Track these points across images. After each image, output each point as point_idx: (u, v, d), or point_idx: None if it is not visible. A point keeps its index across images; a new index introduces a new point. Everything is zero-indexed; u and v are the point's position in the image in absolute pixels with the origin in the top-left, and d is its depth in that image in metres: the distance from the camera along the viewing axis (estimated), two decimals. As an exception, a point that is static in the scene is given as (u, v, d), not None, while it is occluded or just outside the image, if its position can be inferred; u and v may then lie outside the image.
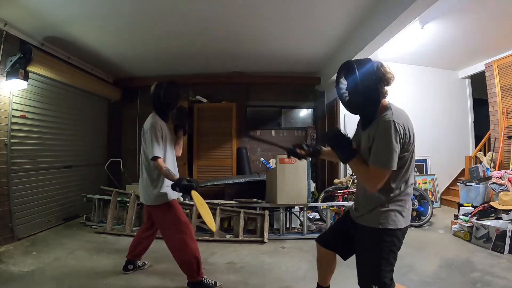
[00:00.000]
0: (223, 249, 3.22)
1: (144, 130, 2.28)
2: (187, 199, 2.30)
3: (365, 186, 1.42)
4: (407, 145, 1.37)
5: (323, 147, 1.77)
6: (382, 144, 1.34)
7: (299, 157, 1.76)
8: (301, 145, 1.74)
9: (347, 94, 1.48)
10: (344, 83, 1.51)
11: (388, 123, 1.32)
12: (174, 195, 2.28)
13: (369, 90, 1.38)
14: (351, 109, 1.49)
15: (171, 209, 2.24)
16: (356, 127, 1.65)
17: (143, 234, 2.54)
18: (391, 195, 1.42)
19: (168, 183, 2.18)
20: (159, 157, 2.13)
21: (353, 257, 1.60)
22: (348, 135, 1.50)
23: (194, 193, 2.01)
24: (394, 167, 1.33)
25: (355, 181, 4.27)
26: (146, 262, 2.72)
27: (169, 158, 2.32)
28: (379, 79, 1.40)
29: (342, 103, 1.53)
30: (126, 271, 2.56)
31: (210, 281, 2.29)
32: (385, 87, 1.44)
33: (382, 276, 1.45)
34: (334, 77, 3.71)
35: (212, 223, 2.06)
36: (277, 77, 5.94)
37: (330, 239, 1.75)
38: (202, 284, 2.24)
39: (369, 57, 1.50)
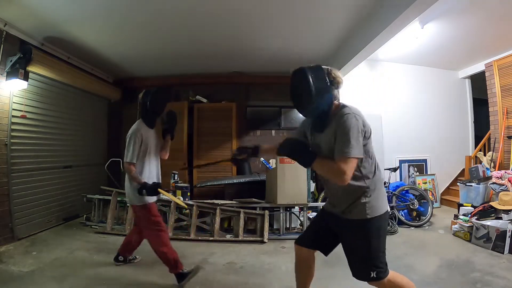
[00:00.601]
0: (223, 249, 3.22)
1: (128, 135, 2.42)
2: (158, 197, 2.56)
3: (336, 181, 1.41)
4: (367, 133, 1.47)
5: (262, 145, 1.85)
6: (345, 135, 1.38)
7: (241, 161, 1.89)
8: (240, 149, 1.85)
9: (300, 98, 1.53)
10: (298, 88, 1.55)
11: (348, 116, 1.41)
12: (152, 198, 2.45)
13: (322, 93, 1.45)
14: (306, 111, 1.57)
15: (148, 209, 2.42)
16: (305, 132, 1.74)
17: (131, 237, 2.73)
18: (367, 183, 1.49)
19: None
20: (130, 163, 2.31)
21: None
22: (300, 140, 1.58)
23: (160, 191, 2.28)
24: (361, 155, 1.40)
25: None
26: (137, 257, 2.89)
27: (152, 163, 2.48)
28: (330, 83, 1.50)
29: (295, 107, 1.60)
30: (117, 262, 2.77)
31: (186, 270, 2.43)
32: (336, 90, 1.55)
33: (378, 261, 1.50)
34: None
35: (181, 202, 2.62)
36: (277, 77, 5.92)
37: (311, 238, 1.81)
38: (182, 274, 2.40)
39: (319, 64, 1.59)
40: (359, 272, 1.55)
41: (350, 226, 1.55)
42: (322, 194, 4.18)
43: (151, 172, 2.47)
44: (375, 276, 1.48)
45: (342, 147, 1.38)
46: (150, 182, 2.35)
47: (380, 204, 1.51)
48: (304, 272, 1.84)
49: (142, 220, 2.46)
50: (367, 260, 1.50)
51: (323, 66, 1.54)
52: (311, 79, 1.44)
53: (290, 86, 1.60)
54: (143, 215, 2.41)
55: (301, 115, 1.65)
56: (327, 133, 1.50)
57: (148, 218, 2.40)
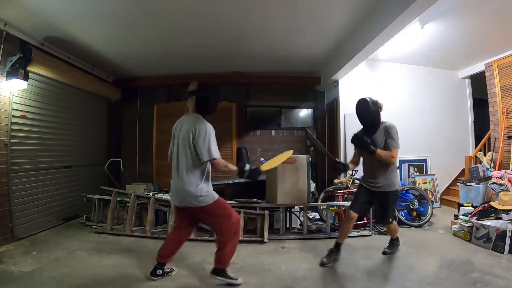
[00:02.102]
0: (223, 249, 3.21)
1: (197, 130, 2.25)
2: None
3: (390, 163, 2.61)
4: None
5: (349, 164, 2.93)
6: (394, 136, 2.62)
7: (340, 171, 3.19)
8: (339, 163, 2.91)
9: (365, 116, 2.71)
10: (365, 111, 2.69)
11: (393, 125, 2.68)
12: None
13: (377, 114, 2.66)
14: (369, 124, 2.69)
15: (219, 202, 2.35)
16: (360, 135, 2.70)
17: (176, 236, 2.52)
18: (392, 167, 2.69)
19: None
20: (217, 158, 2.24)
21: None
22: (366, 138, 2.59)
23: (263, 169, 2.38)
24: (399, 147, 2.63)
25: (355, 181, 4.27)
26: (174, 268, 2.60)
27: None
28: (379, 108, 2.68)
29: (363, 122, 2.75)
30: (154, 276, 2.44)
31: (232, 274, 2.37)
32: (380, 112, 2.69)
33: (394, 214, 3.29)
34: (334, 76, 4.44)
35: (281, 157, 2.53)
36: (277, 77, 5.94)
37: (358, 207, 2.78)
38: (226, 273, 2.34)
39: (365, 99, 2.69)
40: (386, 220, 2.86)
41: (385, 196, 2.71)
42: (322, 194, 4.17)
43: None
44: (391, 220, 2.87)
45: (393, 142, 2.59)
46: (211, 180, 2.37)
47: (398, 181, 2.78)
48: (350, 226, 2.85)
49: (218, 214, 2.31)
50: (392, 213, 2.87)
51: (371, 99, 2.65)
52: (371, 106, 2.61)
53: (359, 109, 2.73)
54: (219, 207, 2.32)
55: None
56: (377, 135, 2.65)
57: (225, 207, 2.35)
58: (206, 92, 2.35)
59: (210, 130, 2.30)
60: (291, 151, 2.58)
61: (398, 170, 4.97)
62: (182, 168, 2.27)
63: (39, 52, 3.67)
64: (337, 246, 2.79)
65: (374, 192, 2.72)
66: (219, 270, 2.33)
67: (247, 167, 2.30)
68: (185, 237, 2.53)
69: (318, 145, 2.80)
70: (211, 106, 2.42)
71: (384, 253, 2.98)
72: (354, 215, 2.73)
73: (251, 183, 4.22)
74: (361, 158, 2.91)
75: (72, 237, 3.59)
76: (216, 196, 2.33)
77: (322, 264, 2.73)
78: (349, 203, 3.12)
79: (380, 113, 2.65)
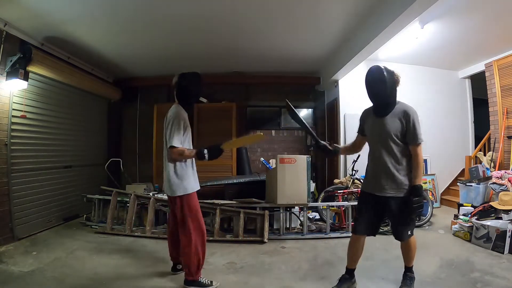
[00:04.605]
0: (223, 249, 3.22)
1: (167, 119, 2.30)
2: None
3: (420, 165, 2.05)
4: None
5: (341, 148, 2.46)
6: (418, 125, 2.01)
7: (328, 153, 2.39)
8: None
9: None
10: (377, 81, 2.03)
11: (414, 110, 2.05)
12: (196, 186, 2.35)
13: (393, 87, 2.04)
14: (381, 99, 2.07)
15: (190, 200, 2.29)
16: (364, 118, 2.26)
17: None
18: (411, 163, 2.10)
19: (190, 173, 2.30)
20: (176, 146, 2.18)
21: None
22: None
23: (224, 147, 2.27)
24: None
25: (355, 181, 4.27)
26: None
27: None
28: (395, 81, 2.06)
29: (373, 95, 2.10)
30: (175, 271, 2.55)
31: (206, 280, 2.30)
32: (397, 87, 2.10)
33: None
34: (334, 76, 3.95)
35: (248, 138, 2.47)
36: (277, 77, 5.94)
37: (366, 228, 2.16)
38: (199, 282, 2.26)
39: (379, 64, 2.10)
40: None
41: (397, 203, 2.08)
42: (322, 194, 4.17)
43: (194, 164, 2.38)
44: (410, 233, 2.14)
45: (417, 135, 2.01)
46: (195, 174, 2.33)
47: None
48: (360, 251, 2.23)
49: (184, 211, 2.25)
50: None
51: (388, 68, 2.05)
52: (386, 76, 1.99)
53: (369, 78, 2.08)
54: (188, 205, 2.25)
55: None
56: (391, 116, 2.04)
57: (193, 209, 2.27)
58: (185, 81, 2.33)
59: (176, 117, 2.25)
60: (262, 134, 2.51)
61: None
62: (164, 157, 2.34)
63: (39, 52, 3.67)
64: (349, 273, 2.26)
65: (380, 199, 2.07)
66: (190, 282, 2.28)
67: (205, 151, 2.23)
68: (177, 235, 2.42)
69: (299, 119, 2.47)
70: (191, 95, 2.40)
71: None
72: (361, 239, 2.18)
73: (245, 185, 4.22)
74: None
75: (72, 237, 3.59)
76: (189, 190, 2.27)
77: None
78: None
79: (397, 89, 2.07)
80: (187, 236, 2.25)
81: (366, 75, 2.10)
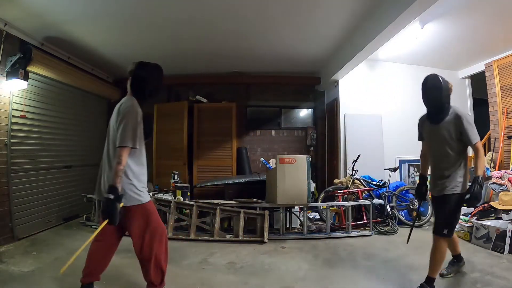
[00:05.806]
0: (223, 249, 3.22)
1: (120, 113, 1.89)
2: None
3: (483, 163, 2.21)
4: None
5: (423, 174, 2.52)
6: (471, 127, 2.11)
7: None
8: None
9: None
10: (436, 90, 2.16)
11: (465, 112, 2.17)
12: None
13: (448, 96, 2.18)
14: (438, 106, 2.21)
15: (146, 210, 1.97)
16: (420, 127, 2.49)
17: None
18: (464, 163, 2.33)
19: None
20: (129, 147, 1.79)
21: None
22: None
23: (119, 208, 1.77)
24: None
25: (355, 181, 4.27)
26: None
27: (143, 154, 2.01)
28: (449, 90, 2.20)
29: (430, 103, 2.27)
30: None
31: None
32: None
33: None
34: (334, 77, 3.96)
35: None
36: (277, 77, 5.94)
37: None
38: None
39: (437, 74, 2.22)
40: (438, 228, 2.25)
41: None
42: (322, 194, 4.17)
43: (145, 167, 2.01)
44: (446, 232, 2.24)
45: (474, 134, 2.13)
46: (145, 181, 1.96)
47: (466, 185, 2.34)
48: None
49: (139, 224, 1.96)
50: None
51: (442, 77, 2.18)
52: (443, 83, 2.13)
53: (427, 85, 2.21)
54: (144, 216, 1.96)
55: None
56: (445, 123, 2.17)
57: (152, 219, 1.99)
58: (144, 72, 2.03)
59: (132, 111, 1.89)
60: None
61: (398, 170, 4.96)
62: (104, 158, 1.95)
63: (39, 52, 3.67)
64: (457, 257, 2.54)
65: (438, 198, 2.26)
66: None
67: (112, 196, 1.72)
68: (111, 248, 2.10)
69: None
70: (149, 88, 2.05)
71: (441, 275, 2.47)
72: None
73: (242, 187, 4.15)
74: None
75: (72, 237, 3.59)
76: (144, 200, 1.91)
77: (441, 275, 2.43)
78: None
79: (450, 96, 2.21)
80: (156, 249, 2.05)
81: (424, 83, 2.24)
